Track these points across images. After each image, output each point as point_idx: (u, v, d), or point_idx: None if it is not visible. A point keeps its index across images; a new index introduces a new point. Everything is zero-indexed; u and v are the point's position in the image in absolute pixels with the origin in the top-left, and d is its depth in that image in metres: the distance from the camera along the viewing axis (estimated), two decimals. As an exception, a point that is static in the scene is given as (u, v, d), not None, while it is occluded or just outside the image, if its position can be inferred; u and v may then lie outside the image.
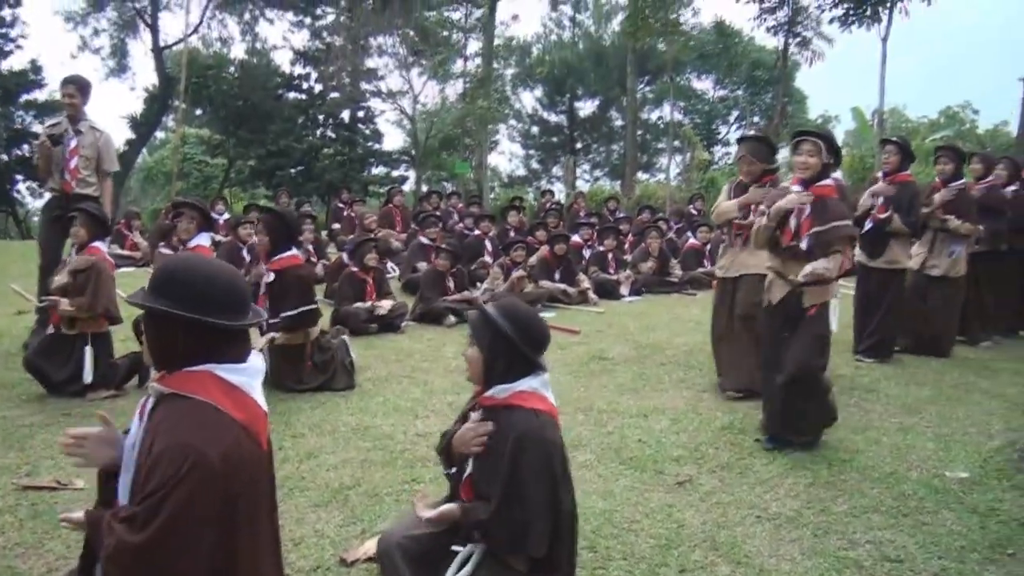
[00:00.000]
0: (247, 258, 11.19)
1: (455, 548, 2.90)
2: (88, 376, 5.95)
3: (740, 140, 7.06)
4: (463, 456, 2.97)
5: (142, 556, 2.03)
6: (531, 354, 2.90)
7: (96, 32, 33.39)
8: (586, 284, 11.33)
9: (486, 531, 2.83)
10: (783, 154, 17.85)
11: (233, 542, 2.16)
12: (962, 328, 8.41)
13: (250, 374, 2.27)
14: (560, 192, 26.79)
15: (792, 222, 5.02)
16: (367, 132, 34.95)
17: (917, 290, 8.03)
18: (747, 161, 6.22)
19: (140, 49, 36.43)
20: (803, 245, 4.90)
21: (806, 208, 4.95)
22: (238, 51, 35.86)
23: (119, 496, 2.24)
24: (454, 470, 3.03)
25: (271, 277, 6.27)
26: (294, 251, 6.50)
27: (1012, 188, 8.88)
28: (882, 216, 7.45)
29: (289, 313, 6.22)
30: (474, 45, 26.51)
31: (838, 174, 6.70)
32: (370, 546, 3.52)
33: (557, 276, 11.20)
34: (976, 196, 8.27)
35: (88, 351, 5.98)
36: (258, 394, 2.28)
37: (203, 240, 6.23)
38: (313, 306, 6.45)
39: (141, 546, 2.02)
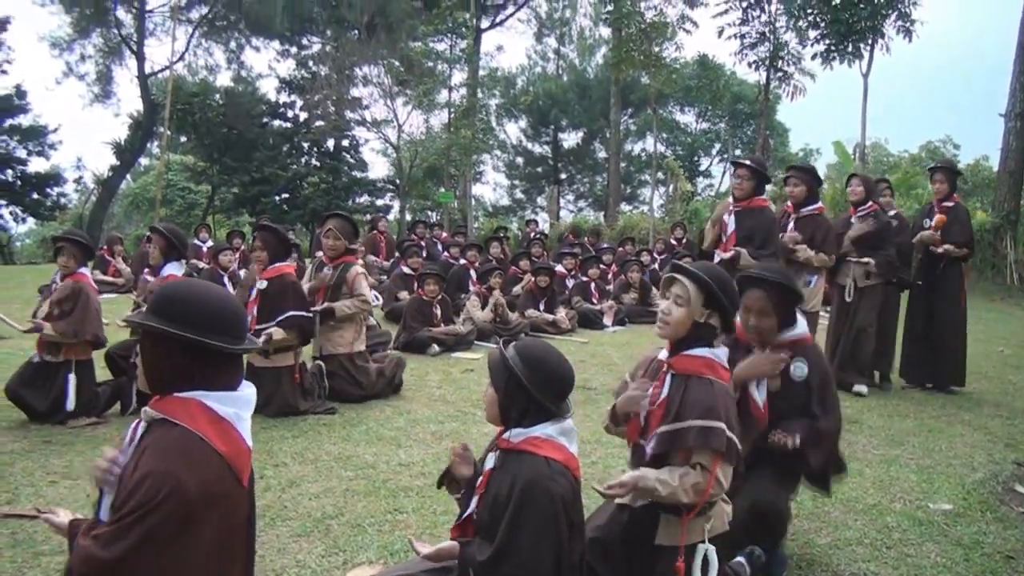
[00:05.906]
0: (228, 285, 11.18)
1: None
2: (71, 404, 5.89)
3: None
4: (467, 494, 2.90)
5: (108, 572, 2.03)
6: (547, 403, 2.76)
7: (82, 58, 33.70)
8: (561, 314, 11.28)
9: None
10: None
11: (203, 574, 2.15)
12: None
13: (240, 405, 2.26)
14: (544, 222, 26.88)
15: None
16: (352, 161, 35.21)
17: None
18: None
19: (125, 76, 36.55)
20: (648, 448, 3.03)
21: (660, 392, 3.06)
22: (224, 79, 36.23)
23: (100, 514, 2.23)
24: (463, 492, 2.96)
25: (264, 284, 6.45)
26: (287, 262, 6.74)
27: (892, 212, 8.11)
28: (728, 252, 6.61)
29: (294, 314, 6.41)
30: (459, 76, 26.63)
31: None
32: (353, 577, 3.49)
33: (542, 307, 11.22)
34: (860, 223, 7.49)
35: (72, 379, 5.93)
36: (245, 429, 2.27)
37: (173, 270, 6.14)
38: (310, 314, 6.65)
39: (108, 562, 2.02)
